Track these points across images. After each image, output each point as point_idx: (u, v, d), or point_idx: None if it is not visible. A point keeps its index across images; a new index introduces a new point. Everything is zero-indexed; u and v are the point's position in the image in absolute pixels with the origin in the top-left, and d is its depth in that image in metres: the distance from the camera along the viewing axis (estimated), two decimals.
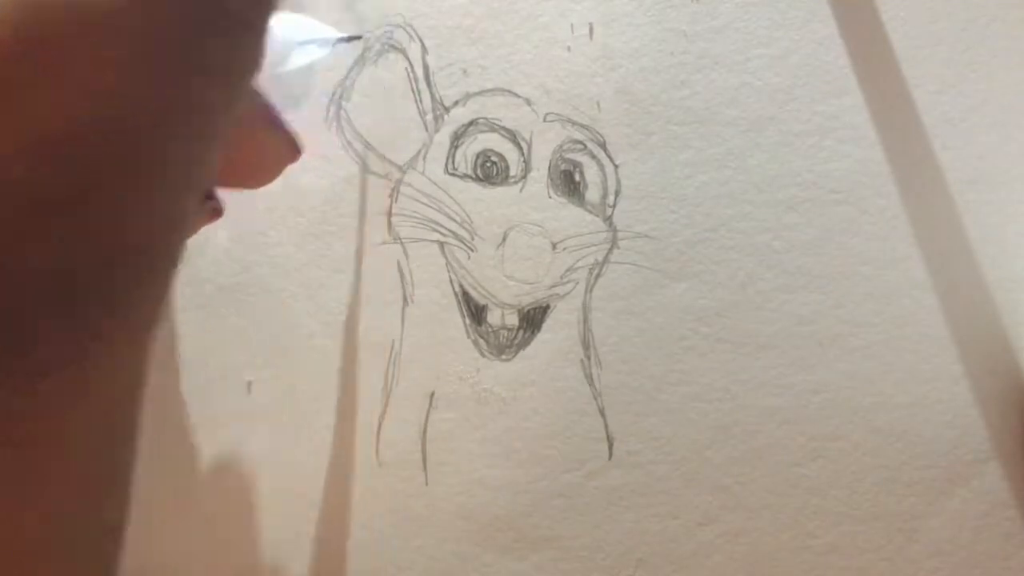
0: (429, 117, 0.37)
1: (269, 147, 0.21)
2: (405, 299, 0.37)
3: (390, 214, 0.37)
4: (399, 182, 0.37)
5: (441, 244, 0.37)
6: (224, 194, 0.23)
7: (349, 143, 0.37)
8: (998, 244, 0.35)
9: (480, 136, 0.37)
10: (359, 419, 0.37)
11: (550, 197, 0.37)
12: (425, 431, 0.37)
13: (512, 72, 0.37)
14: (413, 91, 0.37)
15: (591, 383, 0.37)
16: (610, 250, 0.37)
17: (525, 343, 0.37)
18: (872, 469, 0.35)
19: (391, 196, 0.37)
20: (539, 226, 0.37)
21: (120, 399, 0.14)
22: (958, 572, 0.35)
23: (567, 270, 0.37)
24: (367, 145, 0.37)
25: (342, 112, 0.37)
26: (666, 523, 0.36)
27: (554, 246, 0.37)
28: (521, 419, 0.37)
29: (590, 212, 0.37)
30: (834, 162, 0.36)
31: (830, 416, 0.36)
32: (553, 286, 0.37)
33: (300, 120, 0.26)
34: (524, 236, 0.37)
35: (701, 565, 0.36)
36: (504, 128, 0.37)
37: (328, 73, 0.37)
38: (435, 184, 0.37)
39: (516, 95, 0.37)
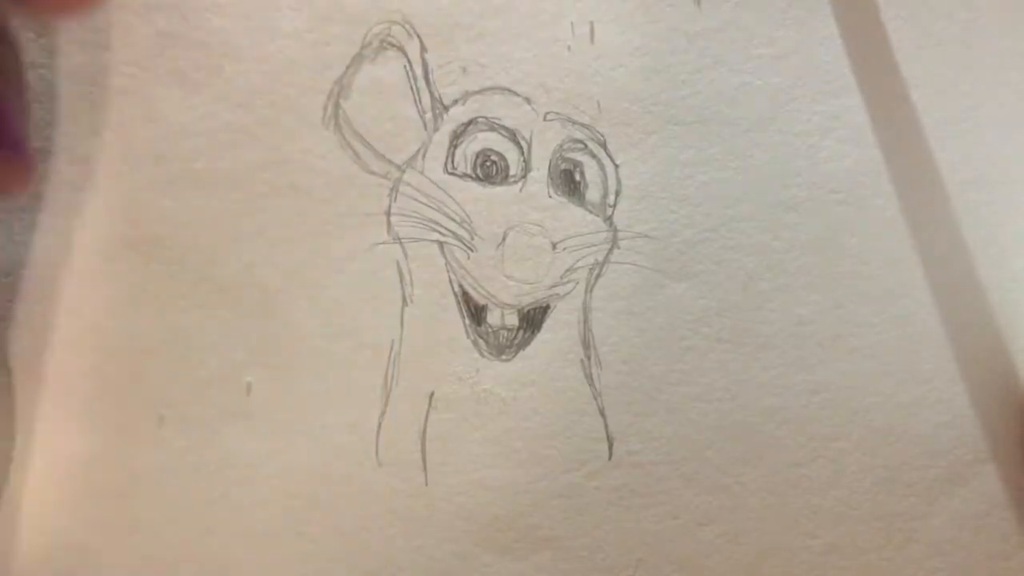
0: (428, 116, 0.37)
1: None
2: (404, 299, 0.37)
3: (389, 214, 0.37)
4: (398, 181, 0.37)
5: (440, 244, 0.37)
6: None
7: (347, 142, 0.37)
8: (997, 244, 0.35)
9: (480, 135, 0.37)
10: (359, 419, 0.37)
11: (550, 197, 0.37)
12: (425, 431, 0.37)
13: (512, 71, 0.37)
14: (412, 89, 0.37)
15: (591, 383, 0.37)
16: (610, 250, 0.37)
17: (525, 343, 0.37)
18: (872, 469, 0.35)
19: (390, 196, 0.37)
20: (539, 226, 0.37)
21: None
22: (958, 572, 0.35)
23: (567, 270, 0.37)
24: (365, 144, 0.37)
25: (340, 111, 0.37)
26: (666, 523, 0.36)
27: (554, 246, 0.37)
28: (521, 419, 0.37)
29: (590, 212, 0.37)
30: (834, 162, 0.36)
31: (830, 416, 0.36)
32: (553, 286, 0.37)
33: None
34: (524, 236, 0.37)
35: (701, 565, 0.36)
36: (504, 127, 0.37)
37: (326, 71, 0.37)
38: (434, 184, 0.37)
39: (516, 94, 0.37)
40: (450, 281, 0.37)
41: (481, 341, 0.37)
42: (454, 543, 0.37)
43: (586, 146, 0.37)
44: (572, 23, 0.37)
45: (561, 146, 0.37)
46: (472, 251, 0.37)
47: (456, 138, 0.37)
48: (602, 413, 0.37)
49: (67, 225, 0.36)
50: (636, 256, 0.37)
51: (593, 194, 0.37)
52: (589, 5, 0.37)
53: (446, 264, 0.37)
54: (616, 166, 0.37)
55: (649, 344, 0.37)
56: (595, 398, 0.37)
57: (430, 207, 0.37)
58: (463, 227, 0.37)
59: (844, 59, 0.36)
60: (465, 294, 0.37)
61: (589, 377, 0.37)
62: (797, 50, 0.36)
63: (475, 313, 0.37)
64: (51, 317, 0.36)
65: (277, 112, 0.37)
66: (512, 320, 0.37)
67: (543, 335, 0.37)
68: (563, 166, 0.37)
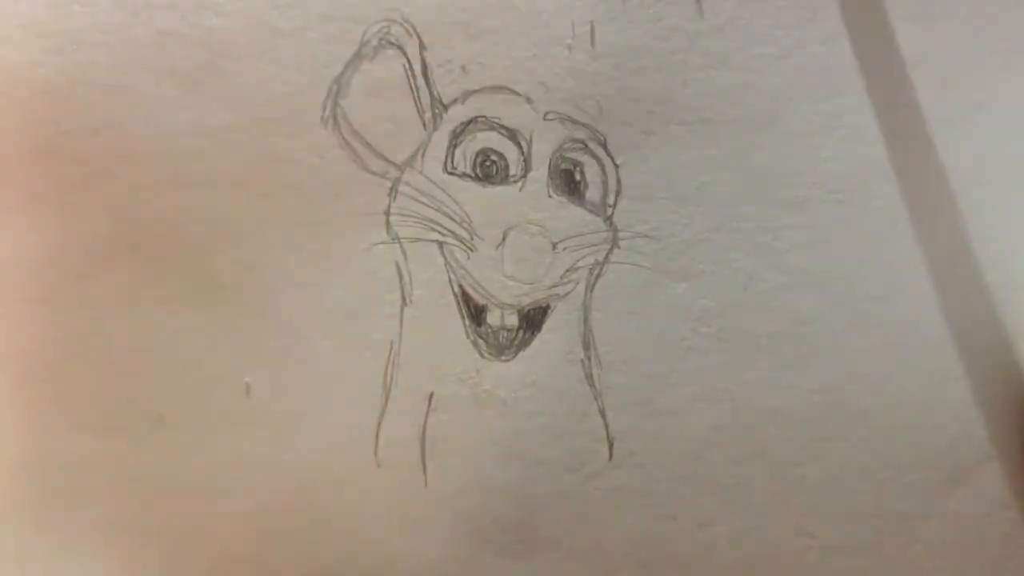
0: (428, 115, 0.37)
1: None
2: (404, 299, 0.37)
3: (388, 213, 0.37)
4: (397, 181, 0.37)
5: (440, 244, 0.37)
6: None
7: (346, 141, 0.37)
8: (999, 244, 0.35)
9: (479, 135, 0.37)
10: (359, 419, 0.37)
11: (550, 196, 0.37)
12: (425, 432, 0.37)
13: (512, 70, 0.37)
14: (411, 88, 0.37)
15: (591, 383, 0.37)
16: (610, 250, 0.37)
17: (525, 343, 0.37)
18: (872, 469, 0.35)
19: (389, 195, 0.37)
20: (539, 226, 0.37)
21: None
22: (958, 572, 0.35)
23: (567, 270, 0.37)
24: (364, 143, 0.37)
25: (339, 110, 0.37)
26: (666, 524, 0.36)
27: (554, 246, 0.37)
28: (521, 419, 0.37)
29: (590, 212, 0.37)
30: (835, 162, 0.36)
31: (830, 416, 0.36)
32: (553, 286, 0.37)
33: None
34: (524, 236, 0.37)
35: (701, 565, 0.36)
36: (504, 127, 0.37)
37: (324, 70, 0.37)
38: (434, 183, 0.37)
39: (516, 93, 0.37)
40: (450, 281, 0.37)
41: (481, 341, 0.37)
42: (454, 543, 0.37)
43: (586, 146, 0.37)
44: (572, 23, 0.37)
45: (561, 146, 0.37)
46: (472, 251, 0.37)
47: (456, 137, 0.37)
48: (602, 413, 0.37)
49: (67, 225, 0.36)
50: (636, 256, 0.37)
51: (593, 194, 0.37)
52: (590, 4, 0.37)
53: (446, 264, 0.37)
54: (616, 166, 0.37)
55: (649, 344, 0.37)
56: (595, 398, 0.37)
57: (430, 207, 0.37)
58: (463, 227, 0.37)
59: (845, 59, 0.36)
60: (465, 294, 0.37)
61: (589, 377, 0.37)
62: (797, 50, 0.36)
63: (475, 313, 0.37)
64: (51, 317, 0.36)
65: (276, 111, 0.36)
66: (512, 320, 0.37)
67: (543, 335, 0.37)
68: (563, 166, 0.37)
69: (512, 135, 0.37)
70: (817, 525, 0.36)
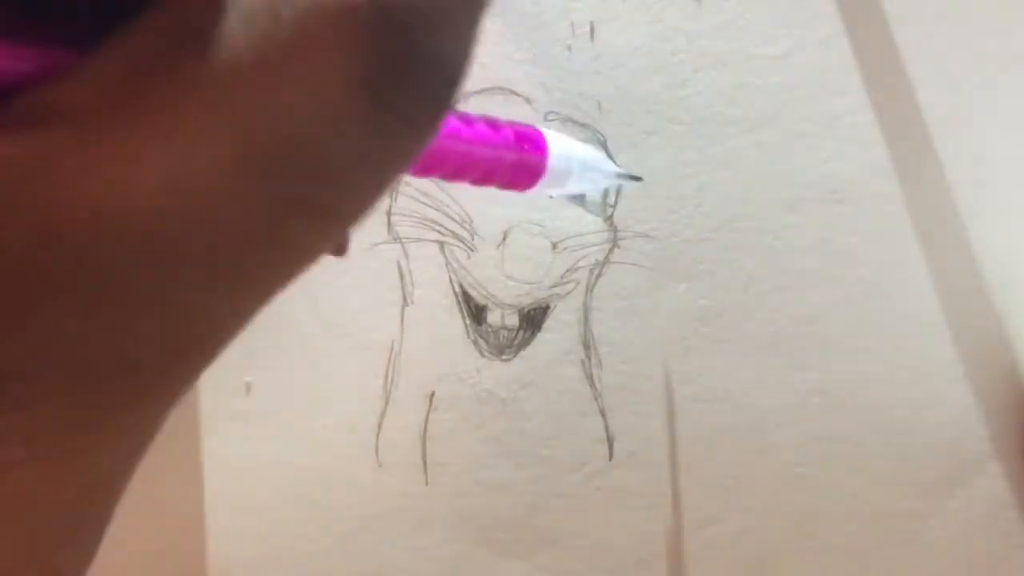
0: None
1: None
2: (405, 299, 0.37)
3: (389, 213, 0.37)
4: (398, 181, 0.37)
5: (441, 244, 0.37)
6: None
7: None
8: (999, 244, 0.35)
9: None
10: (359, 419, 0.37)
11: (550, 197, 0.37)
12: (425, 431, 0.37)
13: (512, 71, 0.37)
14: None
15: (591, 383, 0.37)
16: (611, 250, 0.37)
17: (525, 343, 0.37)
18: (873, 469, 0.35)
19: (390, 196, 0.37)
20: (539, 226, 0.37)
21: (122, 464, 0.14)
22: (958, 572, 0.35)
23: (567, 270, 0.37)
24: None
25: None
26: (666, 524, 0.36)
27: (554, 246, 0.37)
28: (521, 419, 0.37)
29: (590, 212, 0.37)
30: (835, 162, 0.36)
31: (830, 416, 0.36)
32: (553, 286, 0.37)
33: None
34: (524, 236, 0.37)
35: (701, 565, 0.36)
36: None
37: None
38: (435, 184, 0.37)
39: (516, 94, 0.37)
40: (450, 281, 0.37)
41: (481, 341, 0.37)
42: (454, 543, 0.37)
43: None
44: (572, 23, 0.37)
45: None
46: (472, 251, 0.37)
47: None
48: (602, 413, 0.37)
49: None
50: (636, 256, 0.37)
51: (593, 194, 0.37)
52: (589, 4, 0.37)
53: (446, 264, 0.37)
54: (616, 166, 0.37)
55: (649, 344, 0.37)
56: (595, 398, 0.37)
57: (430, 207, 0.37)
58: (463, 227, 0.37)
59: (845, 59, 0.36)
60: (465, 294, 0.37)
61: (589, 377, 0.37)
62: (797, 50, 0.36)
63: (475, 313, 0.37)
64: None
65: None
66: (512, 320, 0.37)
67: (543, 335, 0.37)
68: None
69: None
70: (817, 525, 0.36)
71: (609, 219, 0.37)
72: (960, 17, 0.35)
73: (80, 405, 0.12)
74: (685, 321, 0.36)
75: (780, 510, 0.36)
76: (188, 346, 0.13)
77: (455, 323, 0.37)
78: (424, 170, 0.25)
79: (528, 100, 0.37)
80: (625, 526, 0.36)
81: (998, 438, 0.35)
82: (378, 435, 0.37)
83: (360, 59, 0.12)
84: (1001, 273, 0.35)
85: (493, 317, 0.37)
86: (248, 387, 0.37)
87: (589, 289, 0.37)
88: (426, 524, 0.37)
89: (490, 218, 0.37)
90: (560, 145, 0.30)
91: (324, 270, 0.37)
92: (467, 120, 0.26)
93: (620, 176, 0.35)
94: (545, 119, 0.37)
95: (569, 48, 0.37)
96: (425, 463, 0.37)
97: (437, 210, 0.37)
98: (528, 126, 0.29)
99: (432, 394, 0.37)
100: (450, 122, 0.25)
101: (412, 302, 0.37)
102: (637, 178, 0.36)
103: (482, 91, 0.37)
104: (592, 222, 0.37)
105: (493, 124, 0.27)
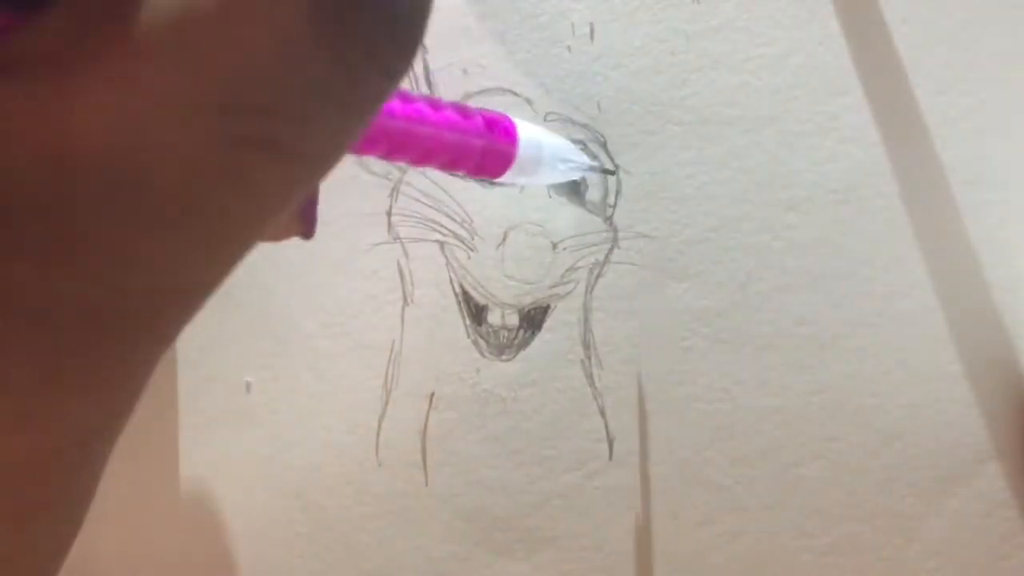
0: None
1: (284, 221, 0.20)
2: (405, 299, 0.37)
3: (390, 214, 0.37)
4: (399, 182, 0.37)
5: (441, 244, 0.37)
6: None
7: None
8: (999, 244, 0.35)
9: None
10: (359, 419, 0.37)
11: (550, 197, 0.37)
12: (425, 431, 0.37)
13: (512, 72, 0.37)
14: (413, 90, 0.37)
15: (591, 383, 0.37)
16: (611, 250, 0.37)
17: (525, 343, 0.37)
18: (872, 469, 0.35)
19: (391, 196, 0.37)
20: (539, 226, 0.37)
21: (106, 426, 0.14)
22: (958, 572, 0.35)
23: (567, 270, 0.37)
24: None
25: None
26: (666, 523, 0.36)
27: (554, 246, 0.37)
28: (521, 419, 0.37)
29: (590, 212, 0.37)
30: (835, 162, 0.36)
31: (830, 416, 0.36)
32: (553, 286, 0.37)
33: None
34: (524, 236, 0.37)
35: (701, 565, 0.36)
36: None
37: None
38: (435, 184, 0.37)
39: (516, 95, 0.37)
40: (450, 281, 0.37)
41: (481, 341, 0.37)
42: (454, 543, 0.37)
43: (586, 146, 0.37)
44: (572, 23, 0.37)
45: None
46: (472, 251, 0.37)
47: None
48: (602, 413, 0.37)
49: None
50: (636, 256, 0.37)
51: (593, 194, 0.37)
52: (589, 5, 0.37)
53: (446, 264, 0.37)
54: (616, 166, 0.37)
55: (649, 344, 0.37)
56: (595, 398, 0.37)
57: (431, 207, 0.37)
58: (463, 227, 0.37)
59: (845, 59, 0.36)
60: (465, 294, 0.37)
61: (589, 377, 0.37)
62: (797, 50, 0.36)
63: (475, 313, 0.37)
64: None
65: None
66: (512, 320, 0.37)
67: (543, 335, 0.37)
68: None
69: None
70: (817, 525, 0.36)
71: (609, 219, 0.37)
72: (960, 17, 0.35)
73: (43, 355, 0.12)
74: (685, 321, 0.36)
75: (779, 510, 0.36)
76: (156, 296, 0.13)
77: (455, 323, 0.37)
78: (391, 152, 0.25)
79: (528, 101, 0.37)
80: (625, 526, 0.36)
81: (998, 438, 0.35)
82: (378, 435, 0.37)
83: None
84: (1001, 273, 0.35)
85: (493, 317, 0.37)
86: (248, 387, 0.37)
87: (589, 289, 0.37)
88: (426, 524, 0.37)
89: (490, 218, 0.37)
90: (531, 133, 0.30)
91: (324, 270, 0.37)
92: (435, 105, 0.26)
93: (592, 168, 0.35)
94: (545, 119, 0.37)
95: (569, 49, 0.37)
96: (425, 463, 0.37)
97: (437, 210, 0.37)
98: (499, 113, 0.29)
99: (432, 394, 0.37)
100: (418, 106, 0.25)
101: (412, 302, 0.37)
102: (610, 171, 0.36)
103: (482, 92, 0.37)
104: (592, 222, 0.37)
105: (462, 110, 0.27)
